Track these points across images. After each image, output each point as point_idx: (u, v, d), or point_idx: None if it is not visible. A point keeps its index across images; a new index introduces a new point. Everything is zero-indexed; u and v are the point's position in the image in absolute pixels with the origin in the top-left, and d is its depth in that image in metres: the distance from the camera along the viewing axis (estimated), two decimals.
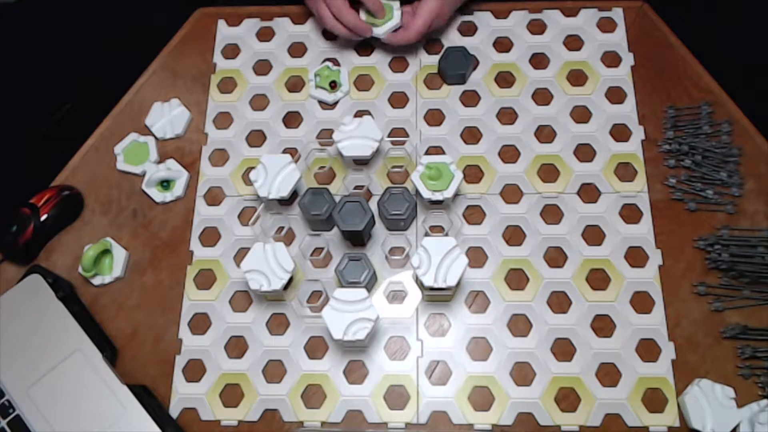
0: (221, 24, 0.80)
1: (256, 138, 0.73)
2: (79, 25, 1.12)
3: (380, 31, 0.70)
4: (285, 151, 0.71)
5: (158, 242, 0.69)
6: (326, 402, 0.61)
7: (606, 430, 0.59)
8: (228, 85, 0.76)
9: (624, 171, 0.68)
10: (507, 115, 0.72)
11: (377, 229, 0.67)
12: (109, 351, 0.62)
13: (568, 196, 0.68)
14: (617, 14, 0.76)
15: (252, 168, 0.67)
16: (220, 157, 0.73)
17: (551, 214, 0.67)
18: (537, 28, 0.76)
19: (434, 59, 0.74)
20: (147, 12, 1.06)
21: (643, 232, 0.66)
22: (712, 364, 0.61)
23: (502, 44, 0.75)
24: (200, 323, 0.65)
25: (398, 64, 0.75)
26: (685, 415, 0.58)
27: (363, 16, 0.71)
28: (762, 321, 0.62)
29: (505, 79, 0.73)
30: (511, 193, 0.68)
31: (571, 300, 0.63)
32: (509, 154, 0.70)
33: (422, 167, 0.63)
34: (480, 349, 0.62)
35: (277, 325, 0.64)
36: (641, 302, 0.63)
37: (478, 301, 0.64)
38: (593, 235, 0.66)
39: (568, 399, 0.60)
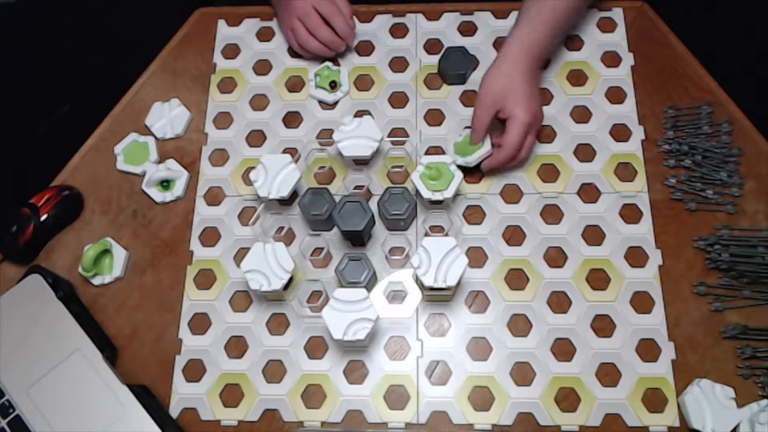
0: (221, 24, 0.80)
1: (256, 138, 0.73)
2: (79, 25, 1.12)
3: (471, 159, 0.65)
4: (285, 151, 0.71)
5: (158, 242, 0.69)
6: (326, 402, 0.61)
7: (606, 430, 0.59)
8: (228, 85, 0.76)
9: (624, 171, 0.68)
10: None
11: (377, 229, 0.67)
12: (109, 351, 0.62)
13: (568, 196, 0.68)
14: (617, 14, 0.76)
15: (252, 168, 0.67)
16: (220, 157, 0.73)
17: (551, 214, 0.67)
18: None
19: (434, 59, 0.74)
20: (147, 12, 1.06)
21: (643, 232, 0.66)
22: (712, 364, 0.61)
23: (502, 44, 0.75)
24: (200, 323, 0.65)
25: (398, 64, 0.75)
26: (685, 415, 0.58)
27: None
28: (762, 321, 0.62)
29: None
30: (511, 193, 0.68)
31: (571, 300, 0.63)
32: None
33: (422, 167, 0.63)
34: (480, 349, 0.62)
35: (277, 325, 0.64)
36: (641, 302, 0.63)
37: (478, 301, 0.64)
38: (593, 235, 0.66)
39: (568, 399, 0.60)
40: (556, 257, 0.65)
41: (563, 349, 0.62)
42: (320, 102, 0.74)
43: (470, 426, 0.60)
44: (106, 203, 0.71)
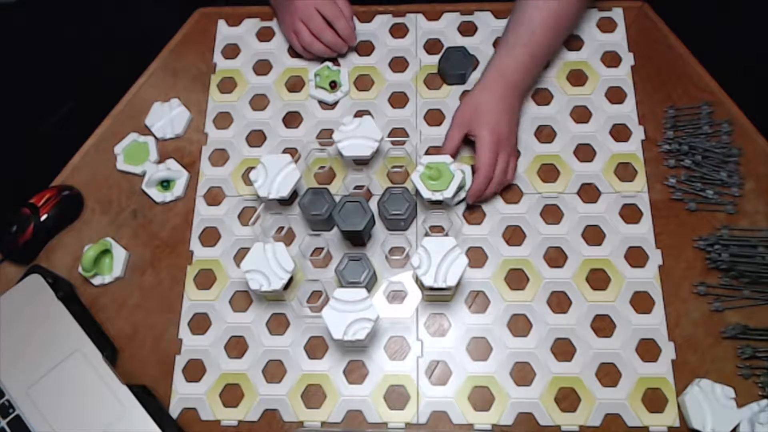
0: (221, 24, 0.80)
1: (256, 138, 0.73)
2: (79, 25, 1.13)
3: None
4: (285, 151, 0.71)
5: (158, 242, 0.69)
6: (326, 402, 0.61)
7: (606, 430, 0.59)
8: (228, 85, 0.76)
9: (624, 171, 0.68)
10: None
11: (377, 229, 0.67)
12: (109, 351, 0.62)
13: (568, 196, 0.68)
14: (617, 14, 0.76)
15: (252, 168, 0.67)
16: (220, 157, 0.73)
17: (551, 214, 0.67)
18: None
19: (434, 59, 0.74)
20: (147, 12, 1.06)
21: (643, 232, 0.66)
22: (712, 364, 0.61)
23: None
24: (200, 323, 0.65)
25: (398, 64, 0.75)
26: (685, 415, 0.58)
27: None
28: (762, 321, 0.62)
29: None
30: (511, 193, 0.68)
31: (571, 300, 0.63)
32: None
33: (422, 167, 0.63)
34: (480, 349, 0.62)
35: (277, 325, 0.64)
36: (641, 302, 0.63)
37: (478, 301, 0.64)
38: (593, 235, 0.66)
39: (568, 399, 0.60)
40: (556, 257, 0.65)
41: (563, 349, 0.62)
42: (320, 102, 0.74)
43: (470, 426, 0.60)
44: (106, 203, 0.71)
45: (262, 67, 0.77)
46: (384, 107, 0.73)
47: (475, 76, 0.74)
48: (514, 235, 0.66)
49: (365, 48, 0.77)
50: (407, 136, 0.71)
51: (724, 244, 0.64)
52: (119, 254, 0.67)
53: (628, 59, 0.74)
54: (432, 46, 0.76)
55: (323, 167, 0.70)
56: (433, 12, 0.78)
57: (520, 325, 0.63)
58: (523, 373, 0.61)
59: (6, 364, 0.60)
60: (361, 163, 0.70)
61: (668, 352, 0.61)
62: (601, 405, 0.59)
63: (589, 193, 0.68)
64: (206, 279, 0.67)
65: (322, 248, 0.66)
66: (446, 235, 0.65)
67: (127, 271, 0.68)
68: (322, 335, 0.63)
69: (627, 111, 0.71)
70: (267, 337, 0.64)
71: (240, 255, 0.67)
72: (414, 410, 0.60)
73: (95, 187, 0.72)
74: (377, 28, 0.77)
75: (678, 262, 0.65)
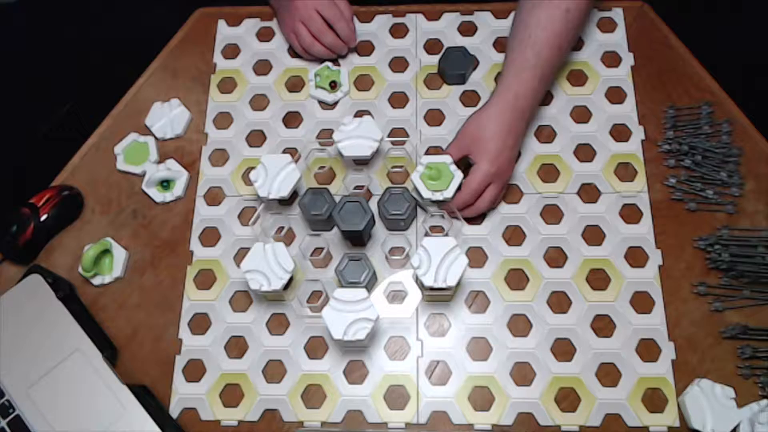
0: (221, 24, 0.80)
1: (256, 138, 0.73)
2: (79, 25, 1.12)
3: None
4: (285, 151, 0.71)
5: (158, 242, 0.69)
6: (326, 402, 0.61)
7: (606, 430, 0.59)
8: (228, 85, 0.76)
9: (624, 171, 0.68)
10: None
11: (377, 229, 0.67)
12: (109, 351, 0.62)
13: (568, 196, 0.68)
14: (617, 14, 0.76)
15: (252, 168, 0.67)
16: (220, 157, 0.73)
17: (551, 214, 0.67)
18: None
19: (434, 59, 0.74)
20: (147, 12, 1.06)
21: (643, 232, 0.66)
22: (712, 364, 0.61)
23: (502, 44, 0.75)
24: (200, 323, 0.65)
25: (398, 64, 0.75)
26: (685, 415, 0.58)
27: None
28: (762, 321, 0.62)
29: None
30: (511, 193, 0.68)
31: (571, 300, 0.63)
32: None
33: (422, 167, 0.63)
34: (480, 349, 0.62)
35: (277, 325, 0.64)
36: (641, 302, 0.63)
37: (478, 301, 0.64)
38: (593, 235, 0.66)
39: (568, 399, 0.60)
40: (556, 257, 0.65)
41: (563, 349, 0.62)
42: (320, 102, 0.74)
43: (470, 426, 0.60)
44: (106, 203, 0.71)
45: (262, 67, 0.77)
46: (384, 107, 0.73)
47: (475, 76, 0.74)
48: (514, 235, 0.66)
49: (365, 48, 0.77)
50: (407, 136, 0.71)
51: (724, 244, 0.64)
52: (119, 254, 0.67)
53: (628, 59, 0.74)
54: (432, 46, 0.76)
55: (323, 167, 0.70)
56: (433, 12, 0.78)
57: (520, 325, 0.63)
58: (523, 373, 0.61)
59: (6, 364, 0.60)
60: (361, 163, 0.70)
61: (668, 352, 0.61)
62: (601, 405, 0.59)
63: (589, 193, 0.68)
64: (206, 279, 0.67)
65: (322, 248, 0.66)
66: (446, 235, 0.65)
67: (127, 271, 0.68)
68: (322, 335, 0.63)
69: (627, 111, 0.71)
70: (267, 337, 0.64)
71: (240, 255, 0.67)
72: (414, 410, 0.60)
73: (95, 187, 0.72)
74: (377, 28, 0.77)
75: (678, 262, 0.65)
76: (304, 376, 0.62)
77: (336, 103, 0.74)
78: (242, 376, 0.62)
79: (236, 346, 0.64)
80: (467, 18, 0.77)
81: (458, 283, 0.57)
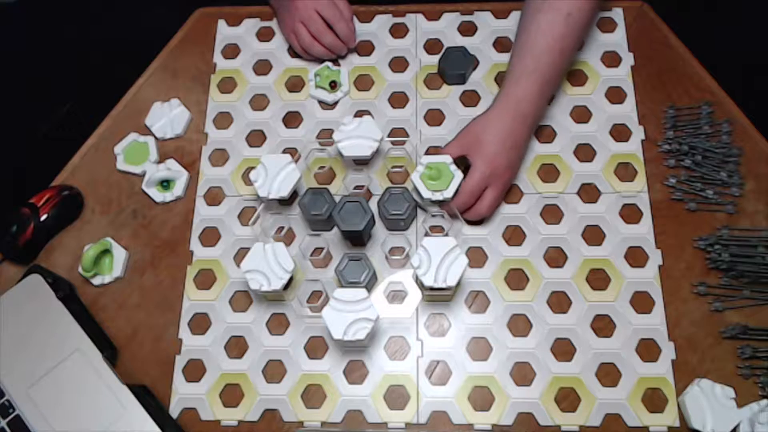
0: (221, 24, 0.80)
1: (256, 138, 0.73)
2: (79, 25, 1.12)
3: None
4: (285, 151, 0.71)
5: (158, 242, 0.69)
6: (326, 402, 0.61)
7: (606, 430, 0.59)
8: (228, 85, 0.76)
9: (624, 171, 0.68)
10: None
11: (377, 229, 0.67)
12: (109, 351, 0.62)
13: (568, 196, 0.68)
14: (617, 14, 0.76)
15: (252, 168, 0.67)
16: (220, 157, 0.73)
17: (551, 214, 0.67)
18: None
19: (434, 59, 0.74)
20: (147, 12, 1.06)
21: (643, 232, 0.66)
22: (712, 364, 0.61)
23: (502, 44, 0.75)
24: (200, 323, 0.65)
25: (398, 64, 0.75)
26: (685, 415, 0.58)
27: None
28: (762, 321, 0.62)
29: None
30: (511, 193, 0.68)
31: (571, 300, 0.63)
32: None
33: (422, 167, 0.63)
34: (480, 349, 0.62)
35: (277, 325, 0.64)
36: (641, 302, 0.63)
37: (478, 301, 0.64)
38: (593, 235, 0.66)
39: (568, 399, 0.60)
40: (556, 257, 0.65)
41: (563, 349, 0.62)
42: (320, 102, 0.74)
43: (470, 426, 0.60)
44: (106, 203, 0.71)
45: (262, 67, 0.77)
46: (384, 107, 0.73)
47: (475, 76, 0.74)
48: (514, 235, 0.66)
49: (365, 48, 0.77)
50: (407, 136, 0.71)
51: (724, 244, 0.64)
52: (119, 254, 0.67)
53: (628, 59, 0.74)
54: (432, 46, 0.76)
55: (323, 167, 0.70)
56: (433, 12, 0.78)
57: (520, 325, 0.63)
58: (523, 373, 0.61)
59: (6, 364, 0.60)
60: (361, 163, 0.70)
61: (668, 352, 0.61)
62: (601, 405, 0.59)
63: (589, 193, 0.68)
64: (206, 279, 0.67)
65: (322, 248, 0.66)
66: (446, 235, 0.65)
67: (127, 271, 0.68)
68: (322, 335, 0.63)
69: (627, 111, 0.71)
70: (267, 337, 0.64)
71: (240, 255, 0.67)
72: (414, 410, 0.60)
73: (95, 187, 0.72)
74: (377, 28, 0.77)
75: (678, 262, 0.65)
76: (304, 376, 0.62)
77: (336, 103, 0.74)
78: (242, 376, 0.62)
79: (236, 346, 0.64)
80: (467, 18, 0.77)
81: (458, 283, 0.57)
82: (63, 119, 1.07)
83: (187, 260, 0.68)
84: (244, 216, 0.69)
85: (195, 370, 0.63)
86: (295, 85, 0.75)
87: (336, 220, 0.61)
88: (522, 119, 0.63)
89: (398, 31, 0.77)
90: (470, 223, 0.67)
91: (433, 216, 0.66)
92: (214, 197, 0.71)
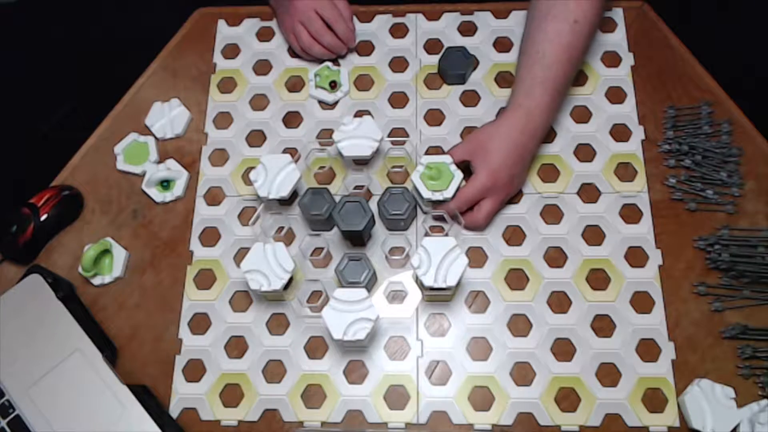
0: (221, 24, 0.80)
1: (256, 138, 0.73)
2: (79, 25, 1.13)
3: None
4: (285, 151, 0.71)
5: (158, 242, 0.69)
6: (326, 402, 0.61)
7: (606, 430, 0.59)
8: (228, 85, 0.76)
9: (624, 171, 0.68)
10: None
11: (377, 229, 0.67)
12: (109, 351, 0.62)
13: (568, 196, 0.68)
14: (617, 14, 0.76)
15: (252, 168, 0.67)
16: (220, 157, 0.73)
17: (551, 214, 0.67)
18: None
19: (434, 59, 0.74)
20: (147, 12, 1.06)
21: (643, 232, 0.66)
22: (712, 364, 0.61)
23: (502, 44, 0.75)
24: (200, 323, 0.65)
25: (398, 64, 0.75)
26: (685, 415, 0.58)
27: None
28: (762, 321, 0.62)
29: (504, 79, 0.73)
30: None
31: (571, 300, 0.63)
32: None
33: (422, 167, 0.63)
34: (480, 349, 0.62)
35: (277, 325, 0.64)
36: (641, 302, 0.63)
37: (478, 301, 0.64)
38: (593, 235, 0.66)
39: (568, 399, 0.60)
40: (556, 257, 0.65)
41: (563, 349, 0.62)
42: (320, 102, 0.74)
43: (470, 426, 0.60)
44: (106, 203, 0.71)
45: (262, 67, 0.77)
46: (384, 107, 0.73)
47: (475, 76, 0.74)
48: (514, 235, 0.66)
49: (365, 48, 0.77)
50: (407, 136, 0.71)
51: (724, 244, 0.64)
52: (119, 254, 0.67)
53: (628, 59, 0.74)
54: (432, 46, 0.76)
55: (323, 167, 0.70)
56: (433, 12, 0.78)
57: (520, 325, 0.63)
58: (523, 373, 0.61)
59: (6, 364, 0.60)
60: (361, 163, 0.70)
61: (668, 352, 0.61)
62: (601, 405, 0.59)
63: (589, 193, 0.68)
64: (206, 279, 0.67)
65: (322, 248, 0.66)
66: (446, 235, 0.65)
67: (127, 271, 0.68)
68: (322, 335, 0.63)
69: (627, 111, 0.71)
70: (267, 337, 0.64)
71: (240, 255, 0.67)
72: (414, 410, 0.60)
73: (95, 187, 0.72)
74: (377, 28, 0.77)
75: (678, 262, 0.65)
76: (304, 376, 0.62)
77: (336, 103, 0.74)
78: (242, 376, 0.62)
79: (236, 346, 0.64)
80: (467, 18, 0.77)
81: (458, 283, 0.57)
82: (63, 119, 1.07)
83: (187, 260, 0.68)
84: (244, 216, 0.69)
85: (195, 370, 0.63)
86: (295, 85, 0.75)
87: (336, 220, 0.61)
88: (531, 132, 0.63)
89: (398, 31, 0.77)
90: (467, 228, 0.67)
91: (434, 216, 0.66)
92: (214, 197, 0.71)
